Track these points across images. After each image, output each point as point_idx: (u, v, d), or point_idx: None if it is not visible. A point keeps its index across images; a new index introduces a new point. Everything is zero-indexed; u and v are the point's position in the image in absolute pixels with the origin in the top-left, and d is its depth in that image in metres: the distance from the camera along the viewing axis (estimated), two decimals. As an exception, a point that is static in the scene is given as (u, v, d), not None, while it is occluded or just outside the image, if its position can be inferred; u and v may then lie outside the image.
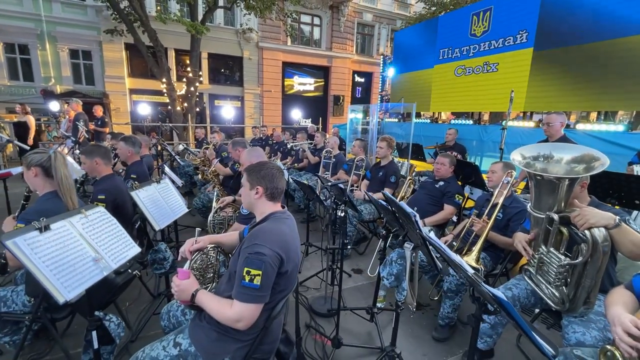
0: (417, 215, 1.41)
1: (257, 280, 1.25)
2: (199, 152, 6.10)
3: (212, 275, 1.63)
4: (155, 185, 2.32)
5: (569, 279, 1.67)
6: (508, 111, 3.69)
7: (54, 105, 9.02)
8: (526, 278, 1.94)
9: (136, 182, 2.20)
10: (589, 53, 4.32)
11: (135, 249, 1.67)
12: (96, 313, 1.53)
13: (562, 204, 1.67)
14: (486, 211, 2.31)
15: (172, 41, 12.71)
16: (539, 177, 1.70)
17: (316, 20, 16.76)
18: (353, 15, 17.00)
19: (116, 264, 1.52)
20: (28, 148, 4.05)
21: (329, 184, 2.42)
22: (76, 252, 1.38)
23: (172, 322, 1.69)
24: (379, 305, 2.43)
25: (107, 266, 1.46)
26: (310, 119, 17.06)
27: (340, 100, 17.67)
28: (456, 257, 1.12)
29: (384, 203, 2.11)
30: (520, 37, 4.95)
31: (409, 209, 1.46)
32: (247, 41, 14.85)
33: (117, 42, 12.25)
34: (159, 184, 2.37)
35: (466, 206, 3.47)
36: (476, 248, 2.20)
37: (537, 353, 2.16)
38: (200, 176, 4.59)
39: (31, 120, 7.14)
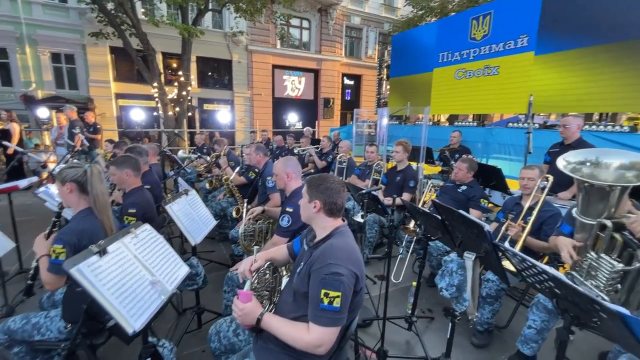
0: (488, 226, 1.39)
1: (336, 302, 1.19)
2: (198, 158, 5.95)
3: (268, 293, 1.55)
4: (185, 197, 2.21)
5: (619, 285, 1.69)
6: (528, 114, 3.77)
7: (42, 112, 8.54)
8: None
9: (168, 195, 2.08)
10: (589, 57, 4.47)
11: (185, 268, 1.58)
12: (150, 339, 1.43)
13: (612, 211, 1.69)
14: (521, 215, 2.32)
15: (158, 44, 12.38)
16: (587, 185, 1.72)
17: (305, 24, 16.76)
18: (341, 19, 17.10)
19: (171, 285, 1.43)
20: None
21: (363, 191, 2.38)
22: (134, 275, 1.29)
23: (224, 343, 1.60)
24: (409, 312, 2.41)
25: (164, 289, 1.37)
26: (301, 122, 17.01)
27: (330, 103, 17.70)
28: (553, 270, 1.10)
29: (424, 210, 2.09)
30: (521, 41, 5.08)
31: (477, 220, 1.44)
32: (236, 44, 14.68)
33: (102, 45, 11.83)
34: (188, 196, 2.27)
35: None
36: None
37: (577, 356, 2.19)
38: (207, 185, 4.46)
39: (15, 128, 6.76)
